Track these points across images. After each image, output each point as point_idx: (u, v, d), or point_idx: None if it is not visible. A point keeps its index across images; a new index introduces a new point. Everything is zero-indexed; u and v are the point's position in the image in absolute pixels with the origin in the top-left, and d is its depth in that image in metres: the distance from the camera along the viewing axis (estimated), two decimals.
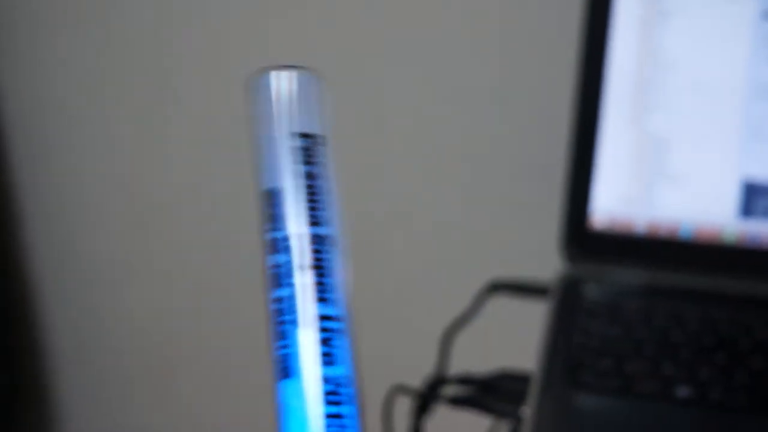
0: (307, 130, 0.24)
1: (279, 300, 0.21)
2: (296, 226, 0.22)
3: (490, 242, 0.88)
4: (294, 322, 0.21)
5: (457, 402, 0.54)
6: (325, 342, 0.21)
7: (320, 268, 0.22)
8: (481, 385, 0.55)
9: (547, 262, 0.85)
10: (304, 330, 0.21)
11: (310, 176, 0.23)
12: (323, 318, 0.21)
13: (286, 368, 0.21)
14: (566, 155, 0.63)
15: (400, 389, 0.56)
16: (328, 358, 0.21)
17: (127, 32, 0.95)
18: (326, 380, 0.21)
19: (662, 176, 0.62)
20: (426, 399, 0.58)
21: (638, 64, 0.61)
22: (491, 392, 0.54)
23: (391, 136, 0.88)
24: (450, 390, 0.55)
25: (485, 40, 0.81)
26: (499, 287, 0.64)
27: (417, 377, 0.63)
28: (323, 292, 0.22)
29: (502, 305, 0.89)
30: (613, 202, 0.63)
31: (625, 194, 0.62)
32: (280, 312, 0.21)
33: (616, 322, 0.57)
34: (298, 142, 0.23)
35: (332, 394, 0.21)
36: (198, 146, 0.97)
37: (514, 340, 0.91)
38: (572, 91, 0.63)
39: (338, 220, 0.23)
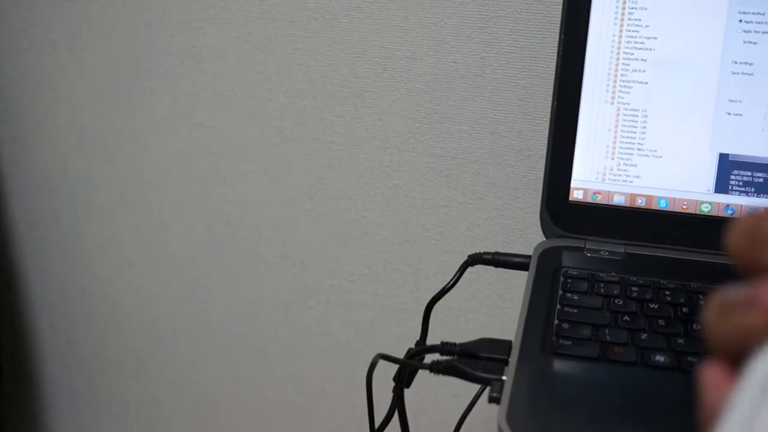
0: None
1: None
2: None
3: (472, 216, 0.89)
4: None
5: (438, 369, 0.55)
6: None
7: None
8: (461, 352, 0.56)
9: (527, 236, 0.87)
10: None
11: None
12: None
13: None
14: (547, 130, 0.64)
15: (383, 358, 0.57)
16: None
17: (112, 8, 0.96)
18: None
19: (640, 150, 0.63)
20: (409, 367, 0.59)
21: (617, 40, 0.62)
22: (472, 360, 0.55)
23: (371, 117, 0.89)
24: (432, 359, 0.56)
25: (466, 18, 0.82)
26: (480, 260, 0.65)
27: (401, 350, 0.64)
28: None
29: (483, 277, 0.91)
30: (592, 176, 0.64)
31: (605, 168, 0.64)
32: None
33: (594, 293, 0.58)
34: None
35: None
36: (183, 124, 0.98)
37: (495, 311, 0.92)
38: (552, 69, 0.63)
39: None
